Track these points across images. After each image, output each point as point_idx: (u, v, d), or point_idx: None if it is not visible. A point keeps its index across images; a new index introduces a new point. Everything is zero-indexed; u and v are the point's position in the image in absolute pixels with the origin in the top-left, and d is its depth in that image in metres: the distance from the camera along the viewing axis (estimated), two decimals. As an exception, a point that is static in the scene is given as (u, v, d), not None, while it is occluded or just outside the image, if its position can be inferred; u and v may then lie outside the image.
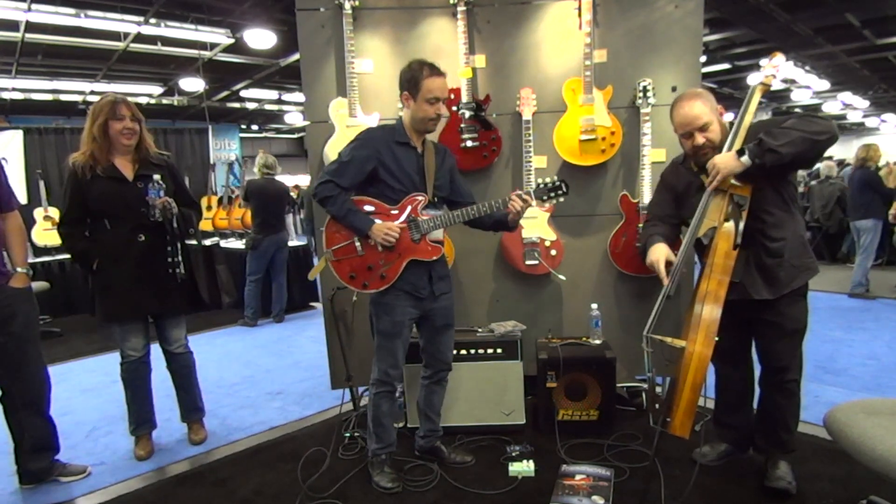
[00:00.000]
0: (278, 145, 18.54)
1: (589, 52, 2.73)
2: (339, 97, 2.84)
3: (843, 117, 17.86)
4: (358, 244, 2.22)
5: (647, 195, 2.77)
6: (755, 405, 2.32)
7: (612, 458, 2.48)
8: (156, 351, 2.77)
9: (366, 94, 2.82)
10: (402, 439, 2.64)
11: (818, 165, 8.67)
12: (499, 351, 2.75)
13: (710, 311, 1.95)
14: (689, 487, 2.13)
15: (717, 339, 1.91)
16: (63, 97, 9.99)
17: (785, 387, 2.16)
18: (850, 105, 14.43)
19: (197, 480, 2.51)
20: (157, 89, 10.39)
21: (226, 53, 7.98)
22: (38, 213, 6.14)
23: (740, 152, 1.92)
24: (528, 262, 2.86)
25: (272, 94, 11.57)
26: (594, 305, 2.81)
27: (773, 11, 6.50)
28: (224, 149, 12.80)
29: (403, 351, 2.33)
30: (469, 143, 2.81)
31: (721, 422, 2.43)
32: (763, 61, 2.09)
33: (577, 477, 2.28)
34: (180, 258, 2.61)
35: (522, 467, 2.41)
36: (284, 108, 13.04)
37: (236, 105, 12.35)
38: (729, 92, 11.53)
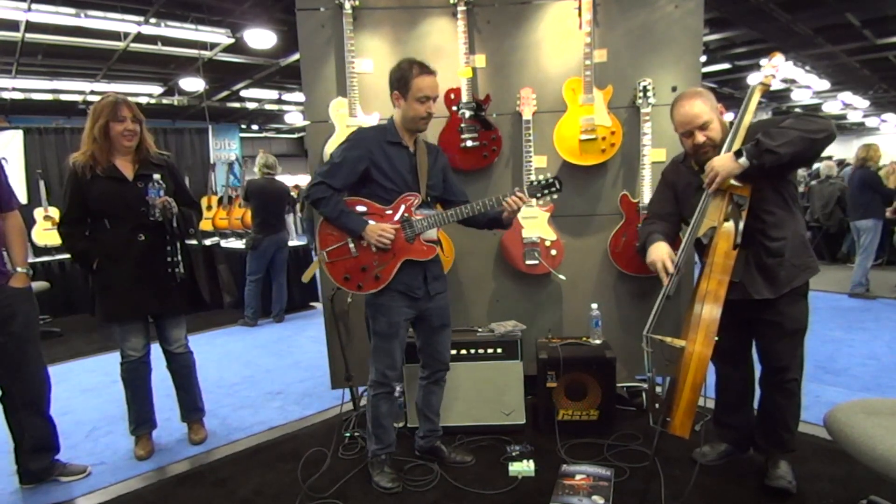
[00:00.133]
0: (278, 145, 18.55)
1: (589, 52, 2.73)
2: (339, 97, 2.84)
3: (843, 117, 17.86)
4: (352, 245, 2.22)
5: (647, 195, 2.77)
6: (755, 405, 2.32)
7: (612, 458, 2.48)
8: (156, 351, 2.77)
9: (366, 94, 2.82)
10: (402, 439, 2.64)
11: (818, 165, 8.68)
12: (499, 351, 2.75)
13: (709, 311, 1.95)
14: (689, 487, 2.13)
15: (717, 338, 1.91)
16: (63, 97, 10.00)
17: (785, 387, 2.16)
18: (850, 105, 14.43)
19: (197, 480, 2.51)
20: (157, 89, 10.40)
21: (226, 53, 7.98)
22: (38, 213, 6.14)
23: (738, 153, 1.92)
24: (528, 262, 2.86)
25: (272, 94, 11.57)
26: (594, 305, 2.81)
27: (773, 11, 6.50)
28: (224, 149, 12.79)
29: (401, 351, 2.33)
30: (469, 143, 2.81)
31: (721, 422, 2.43)
32: (763, 61, 2.09)
33: (578, 477, 2.28)
34: (180, 258, 2.61)
35: (522, 467, 2.41)
36: (284, 107, 13.04)
37: (236, 105, 12.35)
38: (729, 92, 11.53)
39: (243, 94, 11.14)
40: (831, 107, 14.46)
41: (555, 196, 2.25)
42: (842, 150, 16.53)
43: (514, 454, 2.54)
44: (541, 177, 2.22)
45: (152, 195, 2.48)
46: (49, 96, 9.84)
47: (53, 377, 2.53)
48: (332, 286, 2.82)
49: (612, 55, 2.85)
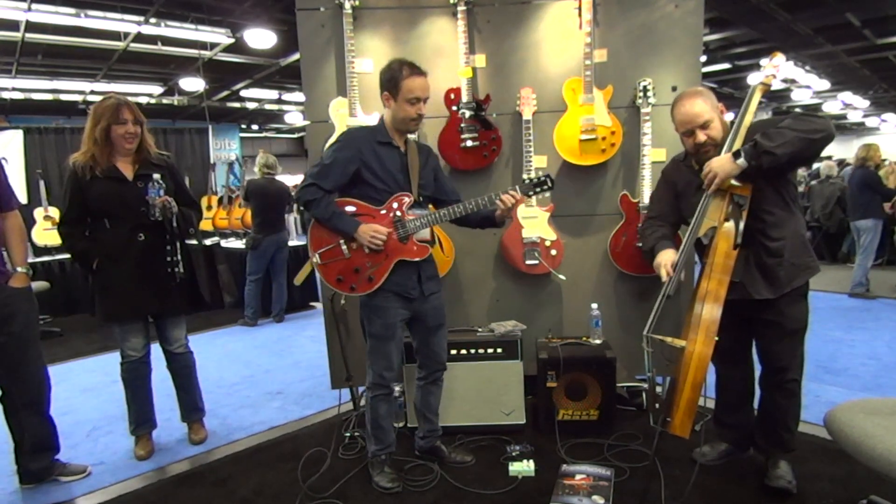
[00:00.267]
0: (278, 145, 18.55)
1: (589, 52, 2.73)
2: (340, 97, 2.84)
3: (844, 117, 17.86)
4: (344, 247, 2.20)
5: (647, 195, 2.77)
6: (755, 405, 2.32)
7: (612, 458, 2.48)
8: (156, 351, 2.77)
9: (366, 94, 2.82)
10: (402, 439, 2.64)
11: (818, 165, 8.67)
12: (499, 351, 2.75)
13: (710, 311, 1.95)
14: (689, 487, 2.13)
15: (717, 338, 1.91)
16: (63, 97, 9.99)
17: (785, 386, 2.16)
18: (851, 105, 14.43)
19: (197, 480, 2.51)
20: (157, 89, 10.40)
21: (226, 53, 7.97)
22: (38, 213, 6.14)
23: (736, 154, 1.92)
24: (528, 262, 2.86)
25: (272, 94, 11.57)
26: (594, 305, 2.81)
27: (773, 11, 6.50)
28: (224, 149, 12.80)
29: (398, 352, 2.32)
30: (469, 143, 2.81)
31: (721, 421, 2.43)
32: (763, 61, 2.09)
33: (578, 477, 2.28)
34: (180, 258, 2.61)
35: (522, 467, 2.41)
36: (284, 107, 13.04)
37: (236, 105, 12.35)
38: (729, 91, 11.53)
39: (243, 94, 11.14)
40: (831, 107, 14.46)
41: (547, 193, 2.25)
42: (842, 150, 16.53)
43: (514, 454, 2.54)
44: (532, 175, 2.23)
45: (152, 195, 2.48)
46: (49, 96, 9.84)
47: (53, 377, 2.53)
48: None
49: (612, 55, 2.85)
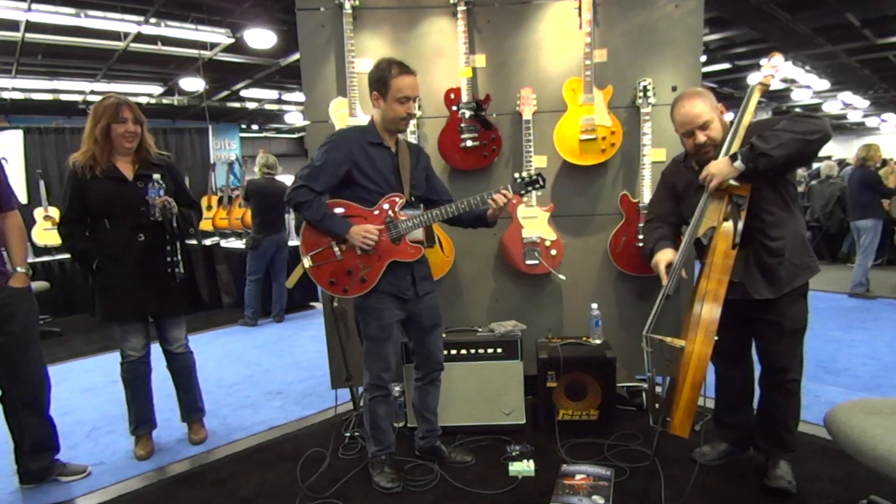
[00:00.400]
0: (278, 145, 18.53)
1: (589, 52, 2.73)
2: (340, 97, 2.84)
3: (843, 117, 17.86)
4: (336, 248, 2.19)
5: (647, 195, 2.77)
6: (755, 405, 2.32)
7: (612, 458, 2.49)
8: (156, 351, 2.77)
9: (366, 94, 2.75)
10: (403, 439, 2.64)
11: (818, 165, 8.67)
12: (499, 351, 2.75)
13: (709, 311, 1.95)
14: (689, 487, 2.13)
15: (716, 338, 1.91)
16: (63, 97, 9.99)
17: (785, 386, 2.16)
18: (850, 105, 14.41)
19: (197, 480, 2.51)
20: (157, 89, 10.39)
21: (226, 53, 7.97)
22: (38, 213, 6.13)
23: (733, 157, 1.93)
24: (528, 262, 2.86)
25: (272, 94, 11.57)
26: (594, 305, 2.81)
27: (773, 11, 6.50)
28: (224, 149, 12.80)
29: (395, 353, 2.32)
30: (469, 143, 2.81)
31: (721, 421, 2.43)
32: (762, 61, 2.09)
33: (578, 477, 2.28)
34: (180, 258, 2.61)
35: (522, 467, 2.41)
36: (284, 107, 13.04)
37: (236, 105, 12.35)
38: (729, 91, 11.53)
39: (243, 94, 11.13)
40: (831, 107, 14.45)
41: (538, 192, 2.25)
42: (842, 150, 16.54)
43: (514, 454, 2.54)
44: (524, 173, 2.22)
45: (152, 195, 2.48)
46: (49, 96, 9.84)
47: (53, 377, 2.53)
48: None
49: (612, 55, 2.85)
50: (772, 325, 2.12)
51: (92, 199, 2.47)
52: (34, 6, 5.59)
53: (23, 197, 6.33)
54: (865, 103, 14.49)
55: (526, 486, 2.32)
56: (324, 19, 2.85)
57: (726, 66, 9.51)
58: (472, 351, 2.75)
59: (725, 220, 2.00)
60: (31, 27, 6.29)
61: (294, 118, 13.84)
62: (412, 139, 2.83)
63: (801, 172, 9.84)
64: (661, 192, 2.37)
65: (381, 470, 2.35)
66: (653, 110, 2.77)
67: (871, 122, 19.12)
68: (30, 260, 3.76)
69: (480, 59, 2.89)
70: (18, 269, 2.35)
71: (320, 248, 2.21)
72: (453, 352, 2.73)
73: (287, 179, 7.75)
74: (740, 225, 1.98)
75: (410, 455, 2.58)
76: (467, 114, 2.80)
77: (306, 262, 2.22)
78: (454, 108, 2.82)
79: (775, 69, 2.05)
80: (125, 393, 2.71)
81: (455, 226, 2.42)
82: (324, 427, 3.00)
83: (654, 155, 2.80)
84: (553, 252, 2.87)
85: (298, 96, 11.21)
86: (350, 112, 2.78)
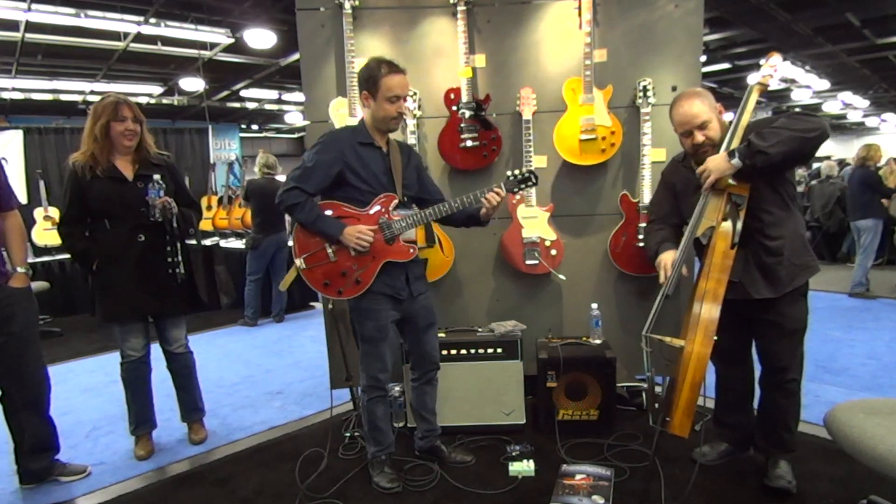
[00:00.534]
0: (278, 145, 18.53)
1: (589, 52, 2.73)
2: (339, 97, 2.84)
3: (843, 117, 17.82)
4: (329, 250, 2.18)
5: (647, 195, 2.77)
6: (755, 405, 2.32)
7: (612, 458, 2.49)
8: (156, 351, 2.77)
9: (366, 94, 2.82)
10: (403, 439, 2.64)
11: (819, 165, 8.67)
12: (499, 351, 2.75)
13: (708, 311, 1.95)
14: (689, 487, 2.13)
15: (716, 338, 1.91)
16: (63, 97, 9.98)
17: (785, 386, 2.16)
18: (850, 105, 14.41)
19: (197, 480, 2.51)
20: (157, 89, 10.39)
21: (226, 53, 7.97)
22: (38, 213, 6.13)
23: (731, 154, 1.93)
24: (528, 262, 2.86)
25: (272, 94, 11.56)
26: (594, 305, 2.81)
27: (773, 11, 6.49)
28: (224, 149, 12.78)
29: (391, 353, 2.31)
30: (469, 143, 2.81)
31: (721, 421, 2.43)
32: (761, 61, 2.10)
33: (578, 477, 2.28)
34: (180, 258, 2.61)
35: (522, 467, 2.41)
36: (284, 107, 13.03)
37: (236, 105, 12.34)
38: (729, 91, 11.52)
39: (243, 94, 11.13)
40: (831, 107, 14.45)
41: (531, 190, 2.24)
42: (842, 150, 16.52)
43: (514, 454, 2.54)
44: (517, 171, 2.22)
45: (152, 195, 2.48)
46: (49, 96, 9.83)
47: (53, 377, 2.53)
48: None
49: (612, 55, 2.85)
50: (772, 325, 2.12)
51: (92, 200, 2.47)
52: (34, 6, 5.58)
53: (23, 197, 6.33)
54: (865, 103, 14.49)
55: (526, 486, 2.32)
56: (324, 19, 2.85)
57: (726, 66, 9.50)
58: (472, 351, 2.75)
59: (724, 219, 2.00)
60: (31, 27, 6.29)
61: (294, 118, 13.84)
62: (412, 139, 2.84)
63: (801, 172, 9.84)
64: (661, 192, 2.37)
65: (380, 470, 2.35)
66: (653, 110, 2.77)
67: (871, 121, 19.09)
68: (30, 260, 3.76)
69: (480, 59, 2.89)
70: (18, 269, 2.35)
71: (313, 250, 2.20)
72: (453, 352, 2.73)
73: (287, 179, 7.78)
74: (739, 225, 1.98)
75: (410, 455, 2.58)
76: (467, 114, 2.80)
77: (300, 264, 2.20)
78: (454, 108, 2.82)
79: (774, 69, 2.05)
80: (125, 393, 2.71)
81: (448, 225, 2.42)
82: (324, 427, 2.99)
83: (654, 155, 2.80)
84: (553, 252, 2.87)
85: (298, 96, 11.21)
86: (350, 112, 2.78)
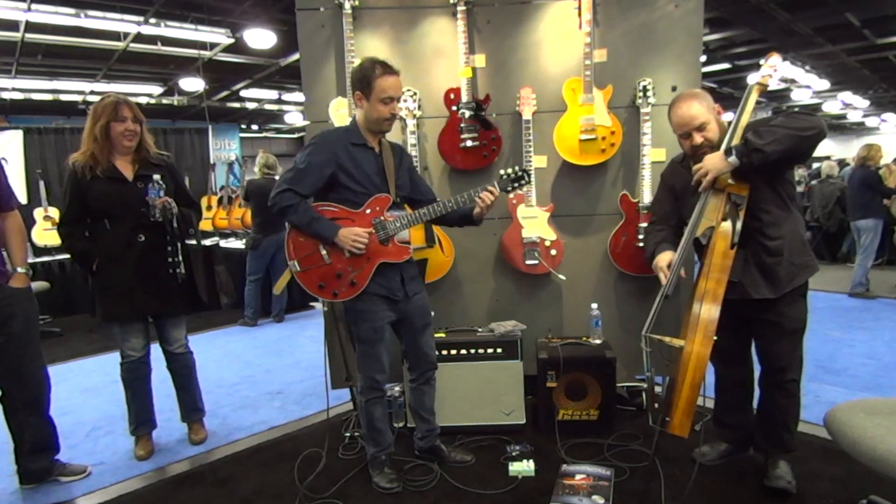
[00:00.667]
0: (278, 145, 18.52)
1: (589, 52, 2.73)
2: (339, 97, 2.84)
3: (843, 117, 17.83)
4: (324, 252, 2.17)
5: (647, 195, 2.77)
6: (755, 405, 2.32)
7: (612, 458, 2.49)
8: (156, 351, 2.77)
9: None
10: (403, 439, 2.64)
11: (819, 165, 8.67)
12: (499, 351, 2.75)
13: (708, 311, 1.95)
14: (689, 487, 2.13)
15: (715, 338, 1.91)
16: (63, 97, 9.98)
17: (785, 386, 2.16)
18: (850, 105, 14.41)
19: (197, 480, 2.51)
20: (157, 89, 10.39)
21: (226, 53, 7.97)
22: (38, 213, 6.13)
23: (728, 152, 1.93)
24: (528, 262, 2.86)
25: (272, 94, 11.56)
26: (594, 305, 2.81)
27: (773, 11, 6.49)
28: (224, 149, 12.79)
29: (388, 354, 2.31)
30: (469, 143, 2.81)
31: (721, 421, 2.43)
32: (761, 61, 2.10)
33: (578, 477, 2.28)
34: (180, 258, 2.62)
35: (522, 467, 2.41)
36: (284, 107, 13.03)
37: (236, 105, 12.34)
38: (729, 92, 11.52)
39: (243, 94, 11.13)
40: (831, 107, 14.45)
41: (525, 189, 2.24)
42: (842, 150, 16.52)
43: (514, 454, 2.54)
44: (510, 170, 2.22)
45: (152, 195, 2.48)
46: (49, 96, 9.83)
47: (53, 377, 2.53)
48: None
49: (612, 55, 2.85)
50: (771, 325, 2.12)
51: (92, 200, 2.47)
52: (34, 6, 5.59)
53: (23, 197, 6.32)
54: (865, 103, 14.49)
55: (526, 486, 2.32)
56: (324, 19, 2.85)
57: (726, 66, 9.50)
58: (472, 351, 2.75)
59: (724, 219, 2.00)
60: (31, 27, 6.29)
61: (294, 118, 13.84)
62: (412, 139, 2.84)
63: (801, 172, 9.85)
64: (661, 193, 2.37)
65: (380, 470, 2.35)
66: (653, 110, 2.77)
67: (871, 121, 19.09)
68: (30, 260, 3.76)
69: (480, 59, 2.89)
70: (18, 269, 2.35)
71: (307, 252, 2.18)
72: (453, 352, 2.73)
73: (287, 179, 7.78)
74: (739, 225, 1.98)
75: (410, 455, 2.58)
76: (467, 114, 2.80)
77: (294, 267, 2.19)
78: (454, 108, 2.82)
79: (773, 69, 2.05)
80: (125, 393, 2.71)
81: (441, 224, 2.42)
82: (324, 427, 2.99)
83: (654, 155, 2.80)
84: (553, 252, 2.87)
85: (298, 96, 11.21)
86: (350, 112, 2.78)
